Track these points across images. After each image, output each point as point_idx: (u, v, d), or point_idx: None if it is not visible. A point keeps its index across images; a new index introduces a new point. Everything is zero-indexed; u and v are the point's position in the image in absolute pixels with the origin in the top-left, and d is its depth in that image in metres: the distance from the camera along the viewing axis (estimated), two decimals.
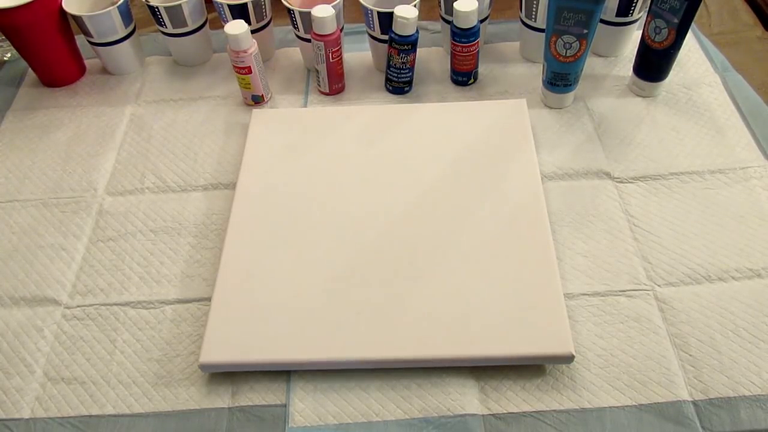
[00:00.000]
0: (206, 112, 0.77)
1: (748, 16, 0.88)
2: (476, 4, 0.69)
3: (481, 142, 0.68)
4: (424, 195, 0.63)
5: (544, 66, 0.72)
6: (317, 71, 0.75)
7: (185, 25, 0.76)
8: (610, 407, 0.51)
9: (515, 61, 0.81)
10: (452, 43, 0.73)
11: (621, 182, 0.66)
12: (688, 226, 0.62)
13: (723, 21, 0.87)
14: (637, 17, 0.75)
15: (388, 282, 0.57)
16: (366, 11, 0.72)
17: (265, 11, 0.77)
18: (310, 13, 0.69)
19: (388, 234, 0.60)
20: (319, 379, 0.54)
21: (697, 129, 0.71)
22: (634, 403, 0.52)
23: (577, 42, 0.67)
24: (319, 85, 0.77)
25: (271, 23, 0.80)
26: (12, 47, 0.82)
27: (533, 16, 0.75)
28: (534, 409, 0.52)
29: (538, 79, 0.77)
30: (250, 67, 0.72)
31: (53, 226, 0.66)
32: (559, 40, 0.67)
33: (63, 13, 0.75)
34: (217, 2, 0.73)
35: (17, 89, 0.81)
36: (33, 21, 0.73)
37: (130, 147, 0.73)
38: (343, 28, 0.74)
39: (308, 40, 0.75)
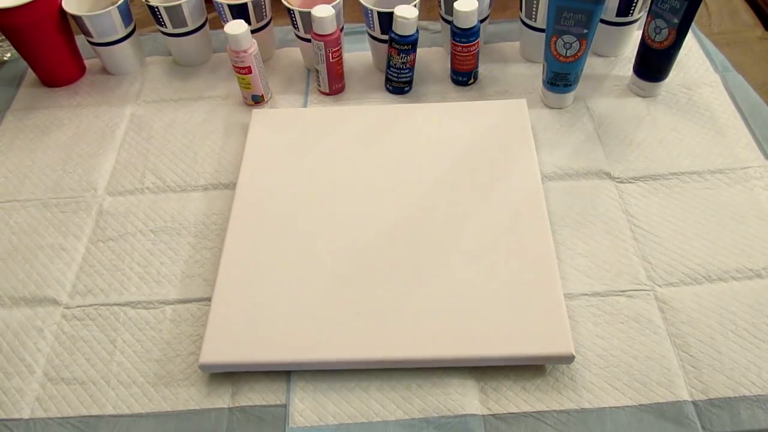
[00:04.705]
0: (206, 112, 0.77)
1: (748, 16, 0.88)
2: (476, 4, 0.69)
3: (481, 142, 0.68)
4: (424, 195, 0.63)
5: (544, 66, 0.72)
6: (317, 71, 0.75)
7: (185, 25, 0.76)
8: (610, 407, 0.51)
9: (515, 61, 0.81)
10: (452, 43, 0.73)
11: (621, 182, 0.66)
12: (688, 226, 0.62)
13: (723, 21, 0.87)
14: (637, 17, 0.75)
15: (388, 282, 0.57)
16: (366, 11, 0.72)
17: (265, 11, 0.77)
18: (310, 13, 0.69)
19: (388, 234, 0.60)
20: (319, 379, 0.54)
21: (697, 129, 0.71)
22: (634, 404, 0.52)
23: (577, 42, 0.67)
24: (319, 85, 0.77)
25: (271, 23, 0.80)
26: (12, 47, 0.82)
27: (533, 16, 0.75)
28: (534, 410, 0.52)
29: (538, 79, 0.77)
30: (250, 67, 0.72)
31: (53, 226, 0.66)
32: (559, 40, 0.67)
33: (63, 13, 0.75)
34: (217, 2, 0.73)
35: (17, 89, 0.81)
36: (33, 21, 0.73)
37: (130, 147, 0.73)
38: (343, 28, 0.74)
39: (308, 40, 0.75)
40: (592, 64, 0.78)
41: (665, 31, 0.67)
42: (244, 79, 0.73)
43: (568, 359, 0.52)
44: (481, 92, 0.77)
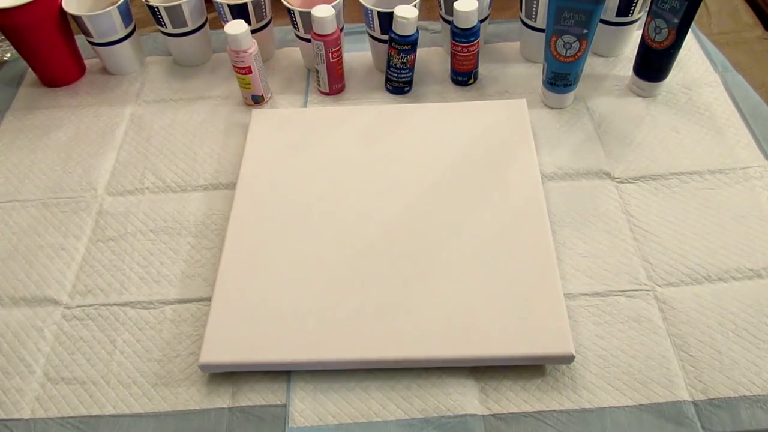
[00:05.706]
0: (206, 112, 0.77)
1: (748, 16, 0.88)
2: (476, 4, 0.69)
3: (481, 142, 0.68)
4: (424, 195, 0.63)
5: (544, 66, 0.72)
6: (317, 71, 0.75)
7: (185, 25, 0.76)
8: (610, 407, 0.51)
9: (515, 61, 0.81)
10: (452, 43, 0.73)
11: (621, 182, 0.66)
12: (688, 226, 0.62)
13: (723, 21, 0.87)
14: (637, 17, 0.75)
15: (388, 282, 0.57)
16: (366, 11, 0.72)
17: (265, 11, 0.77)
18: (310, 13, 0.69)
19: (388, 234, 0.60)
20: (319, 379, 0.54)
21: (697, 129, 0.71)
22: (634, 404, 0.52)
23: (577, 42, 0.67)
24: (319, 85, 0.77)
25: (271, 23, 0.80)
26: (12, 47, 0.82)
27: (533, 16, 0.75)
28: (534, 410, 0.52)
29: (538, 79, 0.77)
30: (250, 67, 0.72)
31: (53, 226, 0.66)
32: (559, 40, 0.67)
33: (63, 13, 0.75)
34: (217, 2, 0.73)
35: (17, 89, 0.81)
36: (33, 21, 0.73)
37: (130, 147, 0.73)
38: (343, 28, 0.74)
39: (308, 40, 0.75)
40: (592, 64, 0.78)
41: (665, 31, 0.67)
42: (244, 79, 0.73)
43: (568, 359, 0.52)
44: (481, 92, 0.77)
